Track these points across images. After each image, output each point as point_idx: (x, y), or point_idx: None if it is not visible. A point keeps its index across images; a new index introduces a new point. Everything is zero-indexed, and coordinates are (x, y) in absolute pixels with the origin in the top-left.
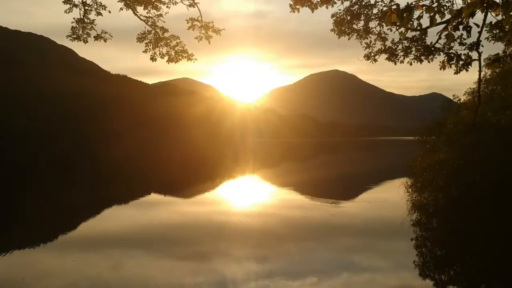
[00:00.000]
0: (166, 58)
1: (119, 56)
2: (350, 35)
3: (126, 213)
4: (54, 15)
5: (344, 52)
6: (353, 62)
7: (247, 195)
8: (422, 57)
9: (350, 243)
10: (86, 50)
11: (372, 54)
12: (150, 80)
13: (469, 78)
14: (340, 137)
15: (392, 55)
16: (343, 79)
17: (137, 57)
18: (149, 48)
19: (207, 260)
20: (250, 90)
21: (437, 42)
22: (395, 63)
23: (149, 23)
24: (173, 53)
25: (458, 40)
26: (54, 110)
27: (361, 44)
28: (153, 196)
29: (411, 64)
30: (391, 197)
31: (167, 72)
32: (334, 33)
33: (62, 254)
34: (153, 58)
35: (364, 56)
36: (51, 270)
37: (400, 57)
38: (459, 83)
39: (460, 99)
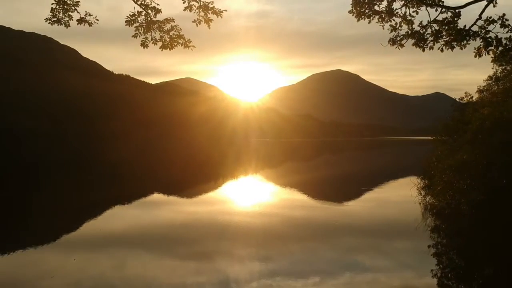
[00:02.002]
0: (160, 44)
1: (122, 56)
2: (371, 17)
3: (129, 212)
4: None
5: (347, 52)
6: (356, 62)
7: (250, 195)
8: (454, 43)
9: (353, 243)
10: (89, 50)
11: (398, 39)
12: (153, 80)
13: (471, 78)
14: (343, 137)
15: (420, 40)
16: (346, 79)
17: (140, 57)
18: (140, 33)
19: (210, 260)
20: (252, 90)
21: (474, 24)
22: (423, 50)
23: (139, 2)
24: (167, 39)
25: (500, 22)
26: (57, 110)
27: (383, 28)
28: (156, 196)
29: (442, 50)
30: (394, 197)
31: (170, 72)
32: (353, 15)
33: (65, 254)
34: (144, 44)
35: (389, 41)
36: (54, 269)
37: (429, 42)
38: (462, 83)
39: (472, 96)
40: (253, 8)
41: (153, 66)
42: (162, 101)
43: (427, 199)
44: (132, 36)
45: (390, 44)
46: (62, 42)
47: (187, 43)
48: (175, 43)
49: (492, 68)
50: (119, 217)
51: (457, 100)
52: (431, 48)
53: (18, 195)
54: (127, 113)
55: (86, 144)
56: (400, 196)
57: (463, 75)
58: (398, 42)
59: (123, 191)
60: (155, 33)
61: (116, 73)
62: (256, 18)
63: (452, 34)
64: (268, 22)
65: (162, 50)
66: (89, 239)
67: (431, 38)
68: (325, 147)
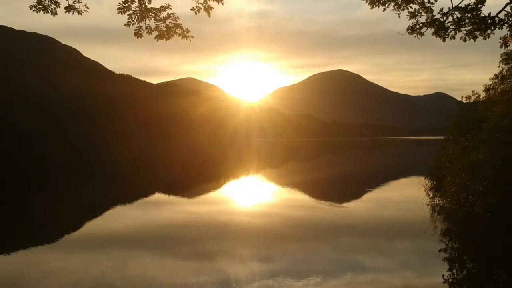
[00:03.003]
0: (155, 34)
1: (123, 56)
2: (386, 4)
3: (130, 212)
4: (59, 15)
5: (348, 52)
6: (357, 61)
7: (251, 195)
8: (477, 32)
9: (354, 243)
10: (90, 50)
11: (418, 27)
12: (154, 80)
13: (472, 77)
14: (344, 137)
15: (440, 29)
16: (347, 78)
17: (141, 57)
18: (133, 21)
19: (211, 260)
20: (254, 90)
21: (502, 10)
22: (444, 40)
23: None
24: (163, 28)
25: None
26: (59, 110)
27: (399, 17)
28: (157, 196)
29: (465, 40)
30: (399, 197)
31: (171, 72)
32: (366, 2)
33: (66, 253)
34: (138, 34)
35: (408, 29)
36: (55, 269)
37: (450, 31)
38: (463, 83)
39: (479, 95)
40: (254, 8)
41: (154, 66)
42: (163, 101)
43: (436, 200)
44: (125, 25)
45: (409, 32)
46: (63, 42)
47: (185, 32)
48: (172, 33)
49: (498, 67)
50: (120, 217)
51: (463, 98)
52: (453, 37)
53: (20, 195)
54: (129, 113)
55: (87, 143)
56: (404, 196)
57: (464, 75)
58: (418, 30)
59: (124, 190)
60: (150, 21)
61: (117, 73)
62: (257, 18)
63: (475, 22)
64: (269, 22)
65: (157, 40)
66: (90, 239)
67: (452, 27)
68: (326, 147)
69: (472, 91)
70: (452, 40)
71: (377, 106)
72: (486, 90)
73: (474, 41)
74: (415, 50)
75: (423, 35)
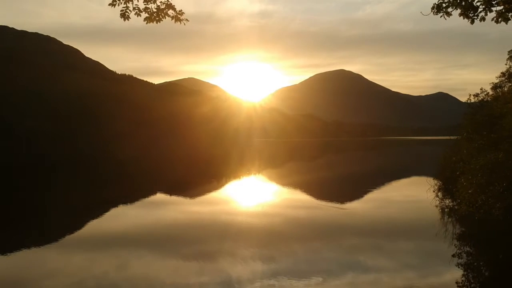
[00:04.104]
0: (144, 15)
1: (125, 56)
2: None
3: (132, 212)
4: (61, 16)
5: (349, 52)
6: (359, 61)
7: (253, 195)
8: (509, 14)
9: (356, 243)
10: (92, 50)
11: (444, 5)
12: (155, 80)
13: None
14: (346, 136)
15: (468, 9)
16: (348, 78)
17: (143, 57)
18: (119, 1)
19: (213, 260)
20: (255, 90)
21: None
22: (473, 21)
23: None
24: (153, 9)
25: None
26: (60, 110)
27: None
28: (159, 196)
29: (497, 21)
30: (398, 197)
31: (172, 72)
32: None
33: (68, 253)
34: (124, 16)
35: (433, 8)
36: (57, 269)
37: (480, 12)
38: (464, 83)
39: (487, 92)
40: (256, 8)
41: (155, 66)
42: (165, 101)
43: (446, 202)
44: (109, 5)
45: (434, 12)
46: (65, 43)
47: (179, 15)
48: (164, 15)
49: (506, 64)
50: (123, 217)
51: (471, 96)
52: (483, 19)
53: (22, 195)
54: (130, 113)
55: (89, 143)
56: (410, 197)
57: (465, 74)
58: (444, 9)
59: (126, 190)
60: (138, 1)
61: (119, 73)
62: (259, 18)
63: (508, 1)
64: (270, 22)
65: (146, 23)
66: (92, 239)
67: (482, 7)
68: (329, 147)
69: (481, 89)
70: (482, 22)
71: (378, 106)
72: (494, 88)
73: (506, 23)
74: (417, 50)
75: (450, 15)
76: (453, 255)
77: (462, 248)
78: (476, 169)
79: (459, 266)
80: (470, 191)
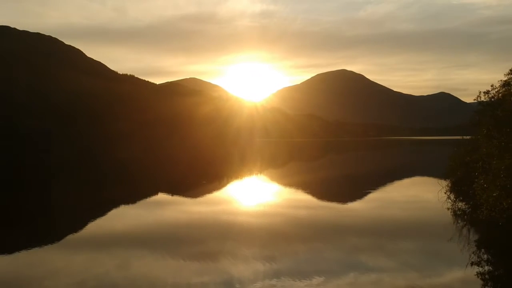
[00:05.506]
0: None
1: (126, 56)
2: None
3: (133, 212)
4: (62, 16)
5: (351, 52)
6: (360, 61)
7: (254, 195)
8: None
9: (357, 243)
10: (93, 50)
11: None
12: (157, 80)
13: (475, 77)
14: (347, 136)
15: None
16: (350, 78)
17: (144, 57)
18: None
19: (214, 260)
20: (257, 90)
21: None
22: None
23: None
24: None
25: None
26: (61, 110)
27: None
28: (160, 196)
29: None
30: (399, 197)
31: (174, 72)
32: None
33: (70, 253)
34: None
35: None
36: (59, 269)
37: None
38: (466, 83)
39: (498, 89)
40: (257, 8)
41: (157, 66)
42: (166, 101)
43: (459, 204)
44: None
45: None
46: (66, 43)
47: None
48: None
49: None
50: (124, 217)
51: (481, 93)
52: None
53: (24, 195)
54: (132, 113)
55: (91, 143)
56: (399, 195)
57: (467, 75)
58: None
59: (127, 191)
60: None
61: (121, 73)
62: (260, 18)
63: None
64: (272, 22)
65: None
66: (93, 239)
67: None
68: (330, 147)
69: (491, 86)
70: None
71: (380, 106)
72: (503, 86)
73: None
74: (419, 50)
75: None
76: (472, 263)
77: (481, 256)
78: (502, 170)
79: (479, 275)
80: (495, 194)
